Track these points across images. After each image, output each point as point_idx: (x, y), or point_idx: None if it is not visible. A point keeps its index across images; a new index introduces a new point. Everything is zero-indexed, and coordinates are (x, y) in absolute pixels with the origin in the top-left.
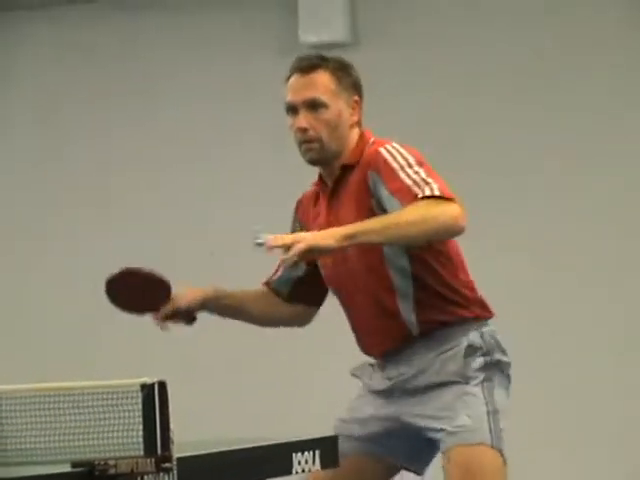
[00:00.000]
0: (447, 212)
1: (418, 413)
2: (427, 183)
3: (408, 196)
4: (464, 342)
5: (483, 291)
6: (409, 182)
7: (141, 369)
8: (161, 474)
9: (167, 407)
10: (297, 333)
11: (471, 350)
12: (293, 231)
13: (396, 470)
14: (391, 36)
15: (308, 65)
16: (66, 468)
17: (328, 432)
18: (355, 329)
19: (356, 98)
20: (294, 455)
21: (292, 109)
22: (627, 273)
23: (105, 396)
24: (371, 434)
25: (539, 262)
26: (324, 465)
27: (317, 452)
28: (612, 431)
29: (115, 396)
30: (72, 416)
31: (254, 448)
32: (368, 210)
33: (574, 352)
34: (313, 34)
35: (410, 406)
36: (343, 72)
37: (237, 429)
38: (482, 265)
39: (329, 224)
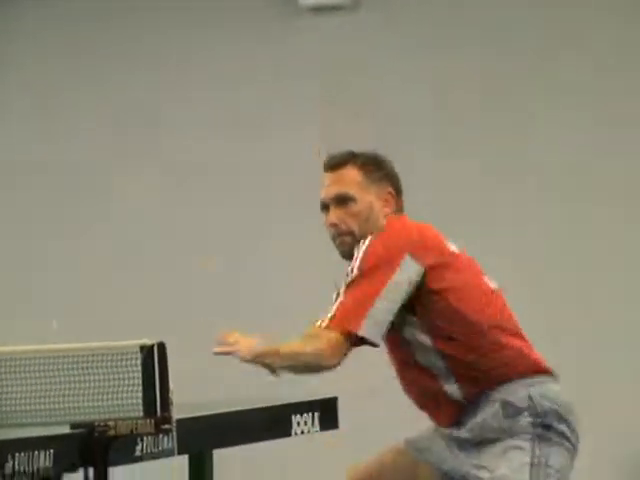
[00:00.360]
0: (314, 356)
1: (464, 463)
2: (337, 304)
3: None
4: (500, 401)
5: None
6: (340, 293)
7: (140, 333)
8: (160, 435)
9: (166, 368)
10: (304, 294)
11: (512, 409)
12: None
13: None
14: None
15: (337, 162)
16: (66, 430)
17: (330, 394)
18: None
19: (390, 190)
20: (293, 417)
21: (324, 207)
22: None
23: (104, 357)
24: (429, 461)
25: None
26: (323, 427)
27: (316, 414)
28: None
29: (114, 357)
30: (71, 377)
31: (253, 410)
32: None
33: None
34: None
35: (460, 458)
36: (373, 165)
37: (238, 391)
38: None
39: None
